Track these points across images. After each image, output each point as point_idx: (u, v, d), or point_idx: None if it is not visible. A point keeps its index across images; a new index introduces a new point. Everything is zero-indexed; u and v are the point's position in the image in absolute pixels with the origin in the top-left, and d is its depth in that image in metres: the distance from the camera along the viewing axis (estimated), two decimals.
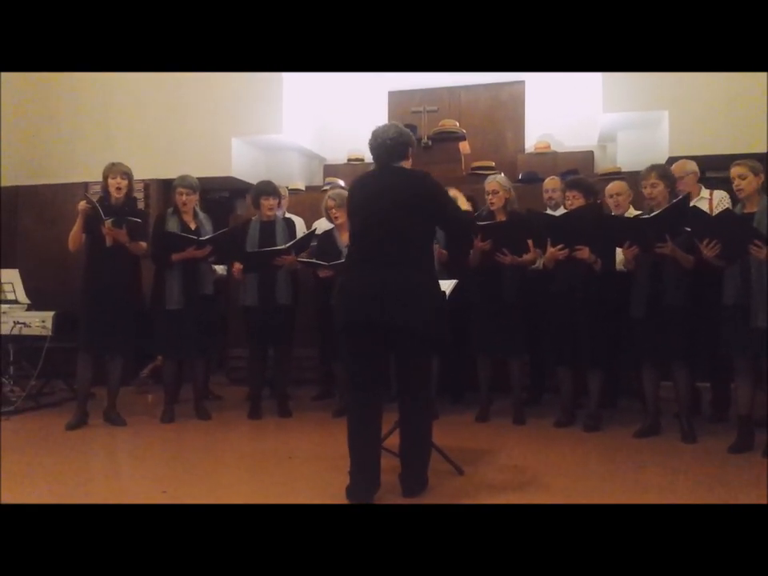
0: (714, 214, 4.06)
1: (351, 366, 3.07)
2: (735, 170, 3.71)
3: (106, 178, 4.56)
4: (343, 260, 4.62)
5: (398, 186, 3.02)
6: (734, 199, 4.43)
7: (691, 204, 4.28)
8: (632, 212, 4.54)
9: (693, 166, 4.55)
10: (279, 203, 5.02)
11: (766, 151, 4.76)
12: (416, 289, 2.93)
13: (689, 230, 3.86)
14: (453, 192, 3.94)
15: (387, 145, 3.08)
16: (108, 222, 4.38)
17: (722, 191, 4.62)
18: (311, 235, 4.87)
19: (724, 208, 4.42)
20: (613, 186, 4.59)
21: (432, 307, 2.97)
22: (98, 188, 5.10)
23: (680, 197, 3.98)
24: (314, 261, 4.69)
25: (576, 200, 4.36)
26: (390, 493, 3.01)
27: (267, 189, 4.91)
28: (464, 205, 4.69)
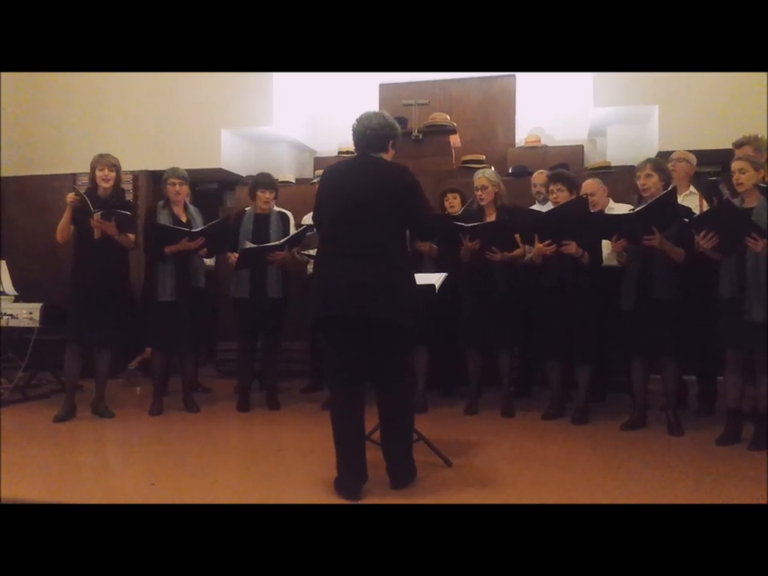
0: (709, 208, 4.09)
1: (330, 359, 3.06)
2: (736, 164, 3.72)
3: (93, 169, 4.53)
4: None
5: (374, 176, 2.99)
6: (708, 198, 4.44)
7: (680, 199, 4.32)
8: (612, 206, 4.54)
9: (693, 159, 4.56)
10: (276, 197, 5.01)
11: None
12: (391, 281, 2.92)
13: (687, 221, 3.88)
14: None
15: (367, 135, 3.06)
16: (96, 215, 4.35)
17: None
18: (305, 231, 4.86)
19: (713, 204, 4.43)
20: (586, 186, 4.52)
21: (406, 299, 2.96)
22: (86, 179, 5.07)
23: (666, 190, 3.99)
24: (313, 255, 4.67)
25: (560, 193, 4.37)
26: (379, 485, 3.02)
27: (265, 182, 4.90)
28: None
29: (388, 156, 3.12)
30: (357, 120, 3.10)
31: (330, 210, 3.05)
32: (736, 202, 3.79)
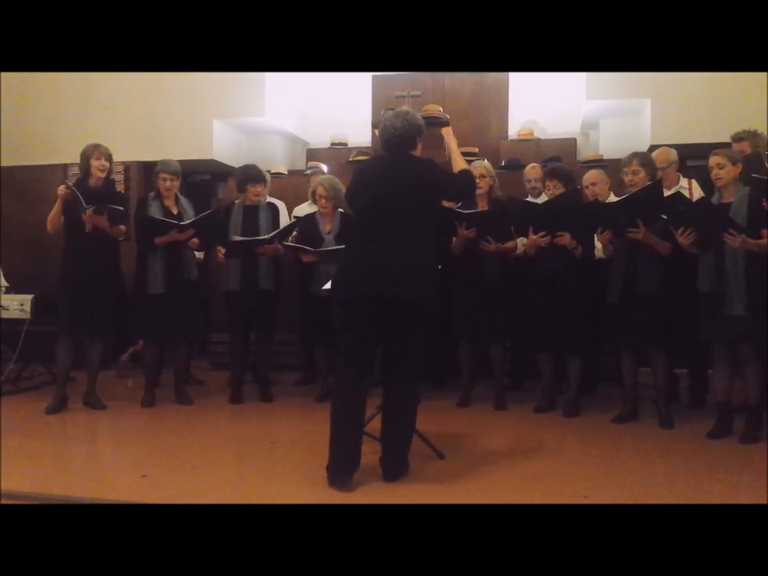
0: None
1: (346, 341, 3.07)
2: (714, 159, 3.74)
3: (87, 159, 4.50)
4: (324, 246, 4.64)
5: (405, 171, 3.12)
6: (706, 189, 4.46)
7: (669, 193, 4.32)
8: (612, 199, 4.54)
9: (674, 156, 4.55)
10: (265, 188, 4.99)
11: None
12: (421, 266, 3.03)
13: (665, 217, 3.89)
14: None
15: (394, 141, 3.18)
16: (89, 211, 4.32)
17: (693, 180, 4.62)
18: (295, 225, 4.85)
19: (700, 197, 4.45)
20: (589, 176, 4.52)
21: (429, 283, 3.07)
22: (77, 170, 5.03)
23: (652, 182, 3.99)
24: (298, 245, 4.67)
25: (556, 189, 4.37)
26: (370, 475, 3.03)
27: (255, 175, 4.86)
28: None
29: (417, 152, 3.24)
30: (381, 126, 3.23)
31: (361, 201, 3.17)
32: (714, 197, 3.81)
